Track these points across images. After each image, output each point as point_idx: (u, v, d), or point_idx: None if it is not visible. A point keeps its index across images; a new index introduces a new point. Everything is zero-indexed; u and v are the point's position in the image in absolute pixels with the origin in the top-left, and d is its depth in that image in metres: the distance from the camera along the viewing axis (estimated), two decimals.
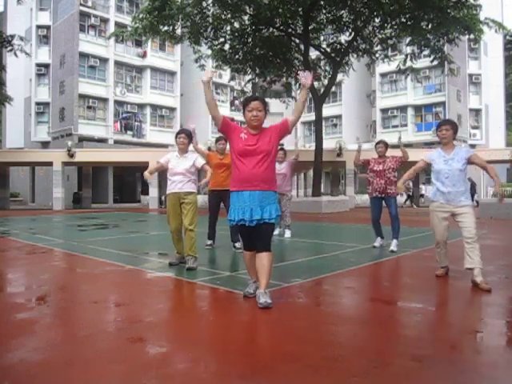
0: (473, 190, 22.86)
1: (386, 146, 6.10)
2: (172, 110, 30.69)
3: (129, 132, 28.60)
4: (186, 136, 4.77)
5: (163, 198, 22.47)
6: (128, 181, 30.85)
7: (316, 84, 19.47)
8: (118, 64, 28.23)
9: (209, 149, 20.84)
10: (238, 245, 5.92)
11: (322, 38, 19.22)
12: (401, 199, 23.80)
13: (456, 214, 3.96)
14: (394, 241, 5.90)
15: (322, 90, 19.16)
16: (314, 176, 17.96)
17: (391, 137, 28.53)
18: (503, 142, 34.24)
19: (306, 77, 3.22)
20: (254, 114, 3.25)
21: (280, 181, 6.75)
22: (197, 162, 4.76)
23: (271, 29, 17.69)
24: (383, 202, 6.02)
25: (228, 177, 5.73)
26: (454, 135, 4.05)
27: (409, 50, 19.44)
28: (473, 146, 29.11)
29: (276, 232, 7.28)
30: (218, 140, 6.26)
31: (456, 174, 3.94)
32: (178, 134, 4.83)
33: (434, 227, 4.16)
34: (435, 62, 18.27)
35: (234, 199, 3.29)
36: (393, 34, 17.31)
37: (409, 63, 18.32)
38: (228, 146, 3.55)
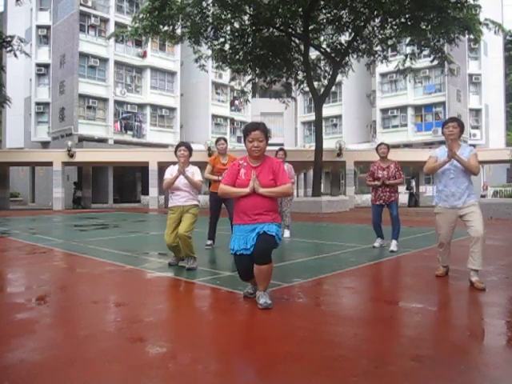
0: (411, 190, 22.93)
1: (388, 147, 6.10)
2: (172, 109, 30.68)
3: (129, 132, 28.59)
4: (187, 149, 4.72)
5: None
6: (128, 181, 30.85)
7: (316, 84, 19.47)
8: (118, 64, 28.21)
9: (209, 149, 20.96)
10: None
11: (321, 38, 19.21)
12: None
13: (462, 215, 3.90)
14: (394, 241, 5.90)
15: (322, 90, 19.17)
16: (314, 176, 17.96)
17: (391, 137, 28.68)
18: (503, 142, 34.25)
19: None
20: (255, 144, 3.16)
21: None
22: (195, 176, 4.71)
23: (271, 29, 17.68)
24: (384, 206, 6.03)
25: None
26: (460, 133, 3.96)
27: (409, 50, 19.45)
28: (473, 146, 29.07)
29: None
30: (217, 140, 6.27)
31: (461, 176, 3.87)
32: (177, 146, 4.77)
33: (439, 228, 4.11)
34: (435, 62, 18.27)
35: (236, 230, 3.24)
36: (393, 34, 17.31)
37: (408, 63, 18.32)
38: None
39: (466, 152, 3.92)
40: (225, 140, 6.27)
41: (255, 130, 3.17)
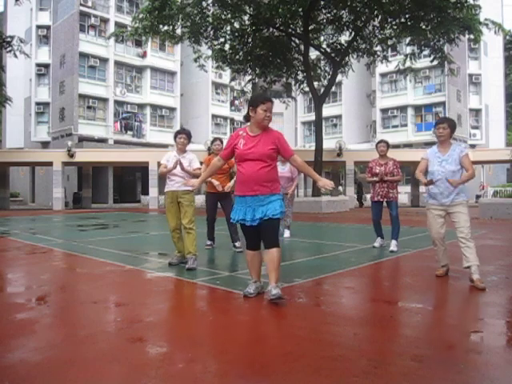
0: (360, 191, 23.10)
1: (388, 145, 6.09)
2: (172, 110, 30.68)
3: (129, 132, 28.59)
4: (186, 136, 4.79)
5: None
6: (128, 181, 30.84)
7: (316, 84, 19.46)
8: (118, 64, 28.22)
9: (209, 149, 20.94)
10: (237, 244, 5.94)
11: (321, 38, 19.20)
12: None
13: (450, 213, 3.98)
14: (394, 241, 5.90)
15: (322, 90, 19.17)
16: None
17: (391, 137, 28.67)
18: (503, 142, 34.25)
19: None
20: (268, 114, 3.26)
21: (284, 182, 6.73)
22: (192, 163, 4.76)
23: (271, 29, 17.68)
24: (384, 204, 6.04)
25: (226, 181, 5.81)
26: (451, 133, 4.01)
27: (409, 50, 19.45)
28: (473, 146, 29.09)
29: None
30: (213, 141, 6.25)
31: (449, 176, 3.90)
32: (177, 133, 4.86)
33: (430, 225, 4.19)
34: (435, 62, 18.27)
35: (238, 201, 3.36)
36: (393, 34, 17.31)
37: (408, 63, 18.32)
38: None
39: (456, 153, 3.94)
40: (221, 141, 6.24)
41: (270, 102, 3.29)
